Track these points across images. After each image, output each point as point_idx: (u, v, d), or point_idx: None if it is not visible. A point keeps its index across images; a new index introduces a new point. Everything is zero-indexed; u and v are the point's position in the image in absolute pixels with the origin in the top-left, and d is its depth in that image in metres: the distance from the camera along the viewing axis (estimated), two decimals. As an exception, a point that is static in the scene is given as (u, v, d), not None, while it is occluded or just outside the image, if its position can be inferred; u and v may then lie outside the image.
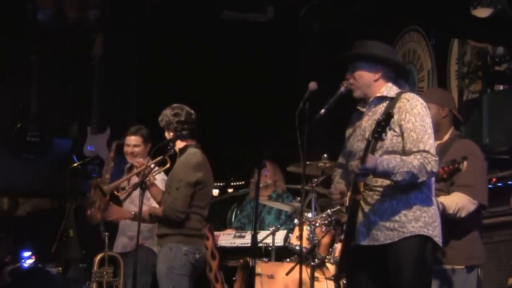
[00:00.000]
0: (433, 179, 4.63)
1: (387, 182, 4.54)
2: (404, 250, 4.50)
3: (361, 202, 4.61)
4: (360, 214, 4.62)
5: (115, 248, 7.10)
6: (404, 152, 4.52)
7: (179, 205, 6.11)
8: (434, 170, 4.49)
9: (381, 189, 4.57)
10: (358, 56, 4.70)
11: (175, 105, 6.39)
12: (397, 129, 4.55)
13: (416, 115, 4.53)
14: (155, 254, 6.77)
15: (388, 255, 4.54)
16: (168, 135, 6.36)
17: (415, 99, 4.60)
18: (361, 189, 4.58)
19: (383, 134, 4.38)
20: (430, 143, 4.51)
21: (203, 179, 6.23)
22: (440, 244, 4.59)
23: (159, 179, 6.60)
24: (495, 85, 7.40)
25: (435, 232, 4.55)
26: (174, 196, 6.15)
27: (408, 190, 4.53)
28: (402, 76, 4.80)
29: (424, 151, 4.47)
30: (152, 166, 6.33)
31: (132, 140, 7.06)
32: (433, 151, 4.49)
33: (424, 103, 4.61)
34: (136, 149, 7.03)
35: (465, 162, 4.72)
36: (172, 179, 6.26)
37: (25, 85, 9.31)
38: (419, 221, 4.52)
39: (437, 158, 4.51)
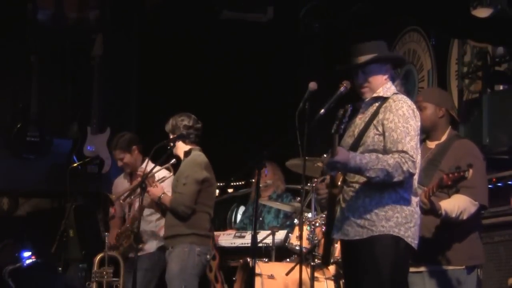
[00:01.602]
0: (414, 180, 4.61)
1: (362, 179, 4.55)
2: (372, 248, 4.51)
3: (340, 197, 4.65)
4: (338, 208, 4.67)
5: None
6: (385, 152, 4.53)
7: (186, 199, 6.19)
8: (411, 171, 4.47)
9: (356, 186, 4.60)
10: (372, 60, 4.71)
11: (183, 113, 6.54)
12: (380, 128, 4.57)
13: (400, 116, 4.54)
14: (162, 256, 6.86)
15: (357, 252, 4.57)
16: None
17: (403, 100, 4.60)
18: (338, 184, 4.62)
19: (341, 128, 4.38)
20: (411, 145, 4.49)
21: (209, 178, 6.36)
22: (414, 245, 4.56)
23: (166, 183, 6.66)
24: (495, 85, 7.40)
25: (408, 233, 4.53)
26: (181, 191, 6.23)
27: (382, 189, 4.53)
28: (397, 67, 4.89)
29: (403, 151, 4.46)
30: (156, 175, 6.40)
31: (116, 154, 7.15)
32: (412, 152, 4.47)
33: (412, 106, 4.62)
34: (125, 161, 7.10)
35: (471, 170, 4.70)
36: (179, 177, 6.33)
37: (25, 85, 9.31)
38: (390, 221, 4.51)
39: (416, 160, 4.49)
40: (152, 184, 6.34)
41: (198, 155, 6.41)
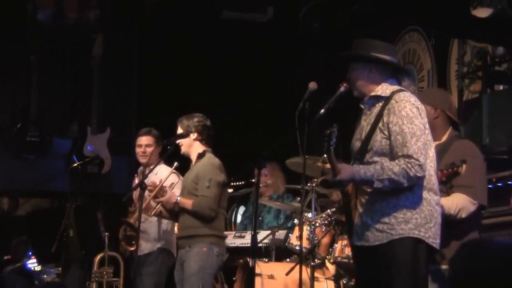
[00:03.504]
0: (432, 177, 4.57)
1: None
2: (393, 252, 4.47)
3: (357, 202, 4.62)
4: (356, 215, 4.64)
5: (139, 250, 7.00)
6: (392, 155, 4.49)
7: (211, 202, 6.23)
8: (418, 175, 4.41)
9: (371, 191, 4.56)
10: (350, 57, 4.71)
11: (197, 114, 6.52)
12: (386, 132, 4.52)
13: (403, 118, 4.47)
14: (170, 254, 6.85)
15: (378, 257, 4.53)
16: (189, 138, 6.42)
17: (405, 100, 4.51)
18: (350, 192, 4.61)
19: (331, 148, 4.38)
20: (417, 146, 4.42)
21: (225, 182, 6.38)
22: (436, 245, 4.53)
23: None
24: (495, 85, 7.40)
25: (429, 234, 4.49)
26: (205, 194, 6.25)
27: (398, 192, 4.48)
28: (401, 73, 4.78)
29: (408, 155, 4.40)
30: (164, 185, 6.45)
31: (144, 140, 7.04)
32: (417, 155, 4.40)
33: (417, 103, 4.53)
34: (148, 149, 6.99)
35: (464, 166, 4.70)
36: (198, 180, 6.33)
37: (25, 85, 9.31)
38: (409, 223, 4.47)
39: (422, 162, 4.42)
40: (164, 193, 6.35)
41: (213, 158, 6.43)
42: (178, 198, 6.32)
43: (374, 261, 4.55)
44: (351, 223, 4.66)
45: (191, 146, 6.47)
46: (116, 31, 9.75)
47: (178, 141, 6.46)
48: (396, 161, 4.43)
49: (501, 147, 6.95)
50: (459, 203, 4.96)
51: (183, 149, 6.49)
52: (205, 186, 6.26)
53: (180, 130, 6.48)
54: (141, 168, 7.04)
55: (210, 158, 6.43)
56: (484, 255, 2.11)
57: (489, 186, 5.95)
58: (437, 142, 5.18)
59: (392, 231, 4.48)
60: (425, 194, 4.53)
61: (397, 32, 8.88)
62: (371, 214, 4.55)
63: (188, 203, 6.29)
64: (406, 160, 4.41)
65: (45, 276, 8.47)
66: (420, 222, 4.48)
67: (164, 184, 6.46)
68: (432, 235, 4.51)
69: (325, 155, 4.43)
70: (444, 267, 5.03)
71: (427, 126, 4.55)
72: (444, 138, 5.21)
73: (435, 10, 7.17)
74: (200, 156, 6.45)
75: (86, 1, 9.93)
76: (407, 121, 4.46)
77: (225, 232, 8.13)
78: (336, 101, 4.70)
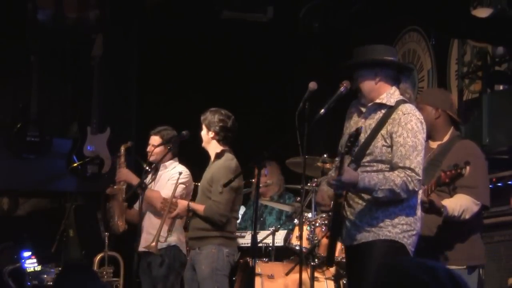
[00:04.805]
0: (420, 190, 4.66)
1: None
2: (375, 251, 4.55)
3: (345, 203, 4.67)
4: (344, 215, 4.69)
5: (139, 246, 6.94)
6: (391, 164, 4.55)
7: (222, 208, 6.23)
8: (416, 189, 4.54)
9: (362, 194, 4.62)
10: (355, 66, 4.72)
11: (223, 111, 6.52)
12: (388, 140, 4.58)
13: (408, 131, 4.55)
14: (181, 252, 6.80)
15: (361, 255, 4.60)
16: (207, 134, 6.43)
17: (411, 113, 4.60)
18: (343, 193, 4.64)
19: (353, 150, 4.47)
20: (417, 160, 4.52)
21: (241, 186, 6.44)
22: (411, 253, 4.60)
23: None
24: (495, 85, 7.40)
25: (410, 241, 4.59)
26: (218, 199, 6.26)
27: None
28: (403, 72, 4.81)
29: (410, 168, 4.49)
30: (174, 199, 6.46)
31: (152, 139, 6.99)
32: (418, 169, 4.51)
33: (420, 118, 4.63)
34: (156, 150, 6.88)
35: (468, 168, 4.71)
36: (212, 182, 6.34)
37: (25, 85, 9.29)
38: (396, 227, 4.56)
39: (421, 177, 4.53)
40: (175, 207, 6.38)
41: (231, 160, 6.40)
42: (190, 204, 6.36)
43: (358, 259, 4.63)
44: (338, 221, 4.70)
45: (209, 143, 6.49)
46: (116, 31, 9.74)
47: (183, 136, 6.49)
48: (397, 172, 4.50)
49: (501, 147, 6.95)
50: (462, 204, 4.95)
51: (203, 144, 6.53)
52: (218, 192, 6.26)
53: (203, 122, 6.46)
54: (153, 165, 7.05)
55: (228, 159, 6.40)
56: (392, 278, 2.09)
57: (489, 186, 5.95)
58: (438, 142, 5.19)
59: (379, 231, 4.57)
60: (413, 202, 4.63)
61: (397, 32, 8.88)
62: (359, 216, 4.63)
63: (199, 208, 6.32)
64: (407, 173, 4.49)
65: (45, 276, 8.45)
66: (405, 229, 4.58)
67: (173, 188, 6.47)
68: (411, 243, 4.61)
69: (342, 154, 4.46)
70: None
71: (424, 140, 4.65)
72: (446, 138, 5.21)
73: (435, 10, 7.16)
74: (218, 156, 6.45)
75: (86, 1, 9.91)
76: (412, 135, 4.55)
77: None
78: (336, 101, 4.71)
